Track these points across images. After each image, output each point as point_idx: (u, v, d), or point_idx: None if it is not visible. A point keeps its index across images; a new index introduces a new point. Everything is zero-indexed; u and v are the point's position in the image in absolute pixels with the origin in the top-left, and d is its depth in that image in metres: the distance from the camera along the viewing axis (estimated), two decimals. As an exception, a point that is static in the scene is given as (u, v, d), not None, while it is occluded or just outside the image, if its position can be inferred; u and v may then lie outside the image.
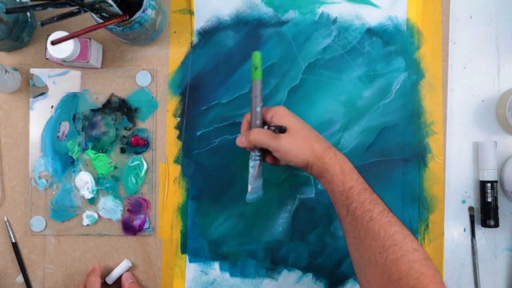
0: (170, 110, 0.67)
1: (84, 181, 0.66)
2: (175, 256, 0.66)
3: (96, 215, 0.66)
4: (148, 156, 0.67)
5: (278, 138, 0.53)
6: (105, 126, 0.67)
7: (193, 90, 0.67)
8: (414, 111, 0.67)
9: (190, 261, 0.67)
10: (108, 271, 0.66)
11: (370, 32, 0.68)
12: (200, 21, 0.68)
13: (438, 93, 0.67)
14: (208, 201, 0.67)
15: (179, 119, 0.67)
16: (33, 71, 0.67)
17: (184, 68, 0.68)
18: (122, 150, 0.67)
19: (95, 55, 0.64)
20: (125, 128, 0.67)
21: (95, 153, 0.66)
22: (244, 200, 0.67)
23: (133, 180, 0.66)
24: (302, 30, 0.68)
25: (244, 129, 0.58)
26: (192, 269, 0.67)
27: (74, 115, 0.67)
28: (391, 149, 0.67)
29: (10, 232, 0.66)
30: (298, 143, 0.54)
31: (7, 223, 0.66)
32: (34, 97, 0.67)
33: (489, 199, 0.65)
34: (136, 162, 0.66)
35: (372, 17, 0.68)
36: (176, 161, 0.67)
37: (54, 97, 0.67)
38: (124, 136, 0.67)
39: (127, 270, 0.66)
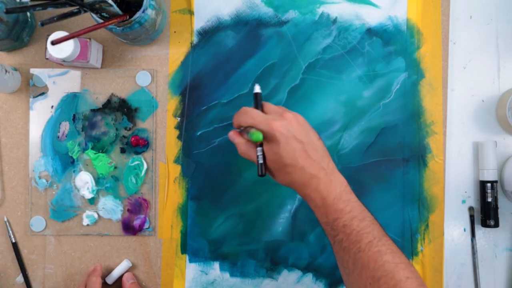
0: (170, 110, 0.67)
1: (84, 181, 0.66)
2: (175, 256, 0.66)
3: (96, 215, 0.66)
4: (148, 156, 0.67)
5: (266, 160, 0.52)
6: (105, 126, 0.67)
7: (193, 90, 0.67)
8: (414, 111, 0.67)
9: (190, 261, 0.67)
10: (108, 271, 0.66)
11: (370, 32, 0.68)
12: (200, 21, 0.68)
13: (438, 93, 0.67)
14: (208, 201, 0.67)
15: (179, 119, 0.67)
16: (33, 71, 0.67)
17: (184, 68, 0.68)
18: (122, 150, 0.67)
19: (95, 55, 0.64)
20: (125, 128, 0.67)
21: (95, 153, 0.66)
22: (244, 200, 0.67)
23: (133, 180, 0.66)
24: (302, 30, 0.68)
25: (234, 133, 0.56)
26: (192, 269, 0.67)
27: (74, 115, 0.67)
28: (391, 149, 0.67)
29: (10, 232, 0.66)
30: (279, 172, 0.52)
31: (7, 223, 0.66)
32: (34, 97, 0.67)
33: (489, 199, 0.65)
34: (136, 162, 0.66)
35: (372, 17, 0.68)
36: (176, 161, 0.67)
37: (54, 97, 0.67)
38: (124, 136, 0.67)
39: (128, 270, 0.66)
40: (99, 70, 0.67)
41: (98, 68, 0.67)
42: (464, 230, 0.67)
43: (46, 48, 0.61)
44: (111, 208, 0.66)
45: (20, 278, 0.66)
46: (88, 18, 0.62)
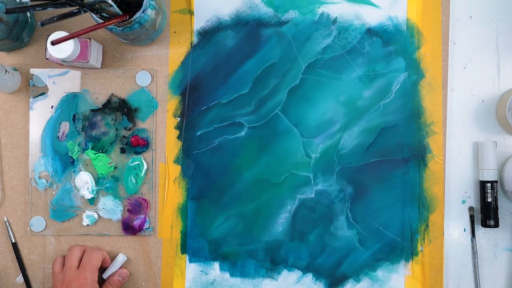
0: (170, 110, 0.67)
1: (84, 181, 0.66)
2: (175, 256, 0.66)
3: (96, 215, 0.66)
4: (148, 156, 0.67)
5: None
6: (105, 126, 0.67)
7: (193, 90, 0.67)
8: (414, 111, 0.67)
9: (190, 261, 0.67)
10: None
11: (370, 32, 0.68)
12: (200, 21, 0.68)
13: (438, 93, 0.67)
14: (208, 201, 0.67)
15: (179, 119, 0.67)
16: (33, 71, 0.67)
17: (184, 68, 0.68)
18: (122, 150, 0.67)
19: (95, 55, 0.64)
20: (125, 128, 0.67)
21: (95, 153, 0.66)
22: (244, 200, 0.67)
23: (133, 180, 0.66)
24: (302, 30, 0.68)
25: None
26: (192, 269, 0.67)
27: (74, 115, 0.67)
28: (391, 149, 0.67)
29: (10, 232, 0.66)
30: None
31: (7, 223, 0.66)
32: (34, 97, 0.67)
33: (489, 199, 0.65)
34: (136, 162, 0.66)
35: (372, 17, 0.68)
36: (176, 161, 0.67)
37: (54, 97, 0.67)
38: (124, 136, 0.67)
39: (123, 265, 0.66)
40: (99, 70, 0.67)
41: (98, 68, 0.67)
42: (464, 230, 0.67)
43: (46, 48, 0.61)
44: (111, 208, 0.66)
45: (20, 278, 0.66)
46: (88, 18, 0.62)
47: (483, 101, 0.68)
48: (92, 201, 0.66)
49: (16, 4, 0.59)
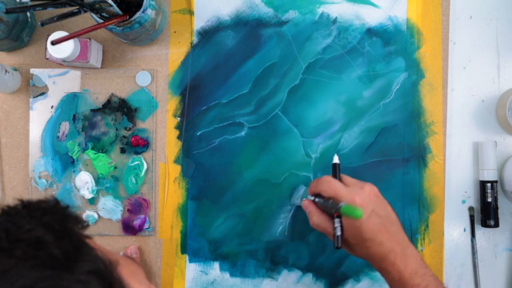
0: (170, 110, 0.67)
1: (84, 181, 0.66)
2: (175, 256, 0.66)
3: (96, 215, 0.66)
4: (148, 156, 0.67)
5: (339, 240, 0.52)
6: (105, 126, 0.67)
7: (193, 90, 0.67)
8: (414, 111, 0.67)
9: (190, 261, 0.67)
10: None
11: (370, 32, 0.68)
12: (200, 21, 0.68)
13: (438, 93, 0.67)
14: (208, 201, 0.67)
15: (179, 119, 0.67)
16: (33, 71, 0.67)
17: (184, 68, 0.68)
18: (122, 150, 0.67)
19: (95, 55, 0.64)
20: (125, 128, 0.67)
21: (95, 153, 0.66)
22: (244, 200, 0.67)
23: (133, 180, 0.66)
24: (302, 30, 0.68)
25: (310, 203, 0.57)
26: (192, 269, 0.67)
27: (74, 115, 0.67)
28: (391, 149, 0.67)
29: (10, 232, 0.66)
30: (357, 246, 0.53)
31: (7, 223, 0.66)
32: (34, 97, 0.67)
33: (489, 199, 0.65)
34: (136, 162, 0.66)
35: (372, 17, 0.68)
36: (176, 161, 0.67)
37: (54, 97, 0.67)
38: (124, 136, 0.67)
39: None
40: (99, 70, 0.67)
41: (98, 68, 0.67)
42: (464, 230, 0.67)
43: (46, 48, 0.61)
44: (111, 208, 0.66)
45: (20, 278, 0.66)
46: (88, 18, 0.62)
47: (483, 101, 0.68)
48: (92, 201, 0.66)
49: (16, 4, 0.59)
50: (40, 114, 0.67)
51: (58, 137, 0.67)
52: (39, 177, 0.66)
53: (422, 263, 0.52)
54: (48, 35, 0.60)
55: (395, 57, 0.67)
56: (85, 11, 0.54)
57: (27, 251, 0.32)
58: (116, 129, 0.67)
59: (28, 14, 0.65)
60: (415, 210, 0.66)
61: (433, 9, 0.68)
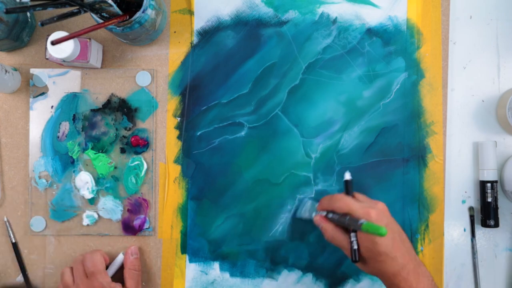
0: (170, 110, 0.67)
1: (84, 181, 0.66)
2: (175, 256, 0.66)
3: (96, 215, 0.66)
4: (148, 156, 0.67)
5: (354, 255, 0.54)
6: (105, 126, 0.67)
7: (193, 90, 0.67)
8: (414, 111, 0.67)
9: (190, 261, 0.67)
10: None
11: (370, 32, 0.68)
12: (200, 21, 0.68)
13: (438, 93, 0.67)
14: (208, 201, 0.67)
15: (179, 119, 0.67)
16: (33, 71, 0.67)
17: (184, 68, 0.68)
18: (122, 150, 0.67)
19: (95, 55, 0.64)
20: (125, 128, 0.67)
21: (95, 153, 0.66)
22: (244, 200, 0.67)
23: (133, 180, 0.66)
24: (302, 30, 0.68)
25: (322, 219, 0.59)
26: (192, 269, 0.67)
27: (74, 115, 0.67)
28: (391, 149, 0.67)
29: (10, 232, 0.66)
30: (370, 260, 0.53)
31: (7, 223, 0.66)
32: (34, 97, 0.67)
33: (489, 199, 0.65)
34: (136, 162, 0.66)
35: (372, 17, 0.68)
36: (176, 161, 0.67)
37: (54, 97, 0.67)
38: (124, 136, 0.67)
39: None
40: (99, 70, 0.67)
41: (98, 68, 0.67)
42: (464, 230, 0.67)
43: (46, 48, 0.61)
44: (111, 208, 0.66)
45: (20, 278, 0.66)
46: (88, 18, 0.62)
47: (483, 101, 0.68)
48: (92, 201, 0.66)
49: (16, 4, 0.59)
50: (40, 114, 0.67)
51: (58, 137, 0.67)
52: (39, 177, 0.66)
53: (434, 284, 0.53)
54: (48, 35, 0.60)
55: (395, 57, 0.67)
56: (85, 11, 0.54)
57: None
58: (116, 129, 0.67)
59: (28, 14, 0.65)
60: (415, 210, 0.66)
61: (433, 9, 0.68)
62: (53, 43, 0.54)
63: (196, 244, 0.67)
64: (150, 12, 0.58)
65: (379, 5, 0.68)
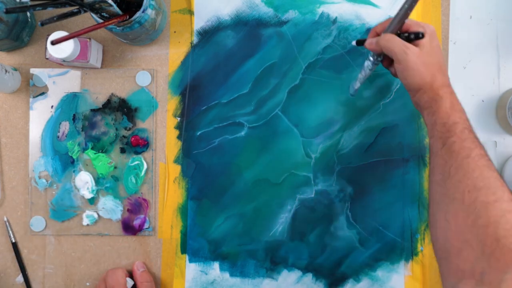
0: (170, 110, 0.67)
1: (84, 181, 0.66)
2: (175, 256, 0.66)
3: (96, 215, 0.66)
4: (148, 156, 0.67)
5: (407, 51, 0.51)
6: (105, 126, 0.67)
7: (193, 90, 0.67)
8: (414, 111, 0.67)
9: (190, 261, 0.67)
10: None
11: (370, 32, 0.68)
12: (200, 21, 0.68)
13: (438, 93, 0.67)
14: (208, 201, 0.67)
15: (179, 119, 0.67)
16: (33, 71, 0.67)
17: (184, 68, 0.68)
18: (122, 150, 0.67)
19: (95, 55, 0.64)
20: (125, 128, 0.67)
21: (95, 153, 0.66)
22: (244, 200, 0.67)
23: (133, 180, 0.66)
24: (302, 30, 0.68)
25: (371, 35, 0.56)
26: (192, 269, 0.67)
27: (74, 115, 0.67)
28: (391, 149, 0.67)
29: (10, 232, 0.66)
30: (423, 66, 0.51)
31: (7, 223, 0.66)
32: (34, 97, 0.67)
33: (489, 199, 0.65)
34: (136, 162, 0.66)
35: (372, 17, 0.68)
36: (176, 161, 0.67)
37: (54, 97, 0.67)
38: (124, 136, 0.67)
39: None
40: (99, 70, 0.67)
41: (98, 68, 0.67)
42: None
43: (46, 48, 0.61)
44: (111, 208, 0.66)
45: (20, 278, 0.66)
46: (88, 18, 0.62)
47: (483, 101, 0.68)
48: (92, 201, 0.66)
49: (16, 4, 0.59)
50: (40, 114, 0.67)
51: (58, 137, 0.67)
52: (39, 177, 0.66)
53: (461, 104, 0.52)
54: (48, 35, 0.60)
55: (395, 57, 0.67)
56: (85, 11, 0.54)
57: None
58: (116, 129, 0.67)
59: (28, 14, 0.65)
60: (415, 210, 0.66)
61: (433, 9, 0.68)
62: (53, 43, 0.54)
63: (196, 244, 0.67)
64: (150, 12, 0.58)
65: (379, 5, 0.68)
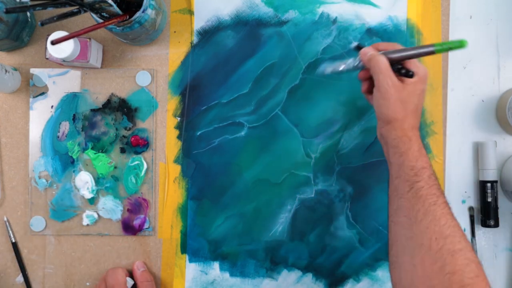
0: (170, 110, 0.67)
1: (84, 181, 0.66)
2: (175, 256, 0.66)
3: (96, 215, 0.66)
4: (148, 156, 0.67)
5: (390, 82, 0.52)
6: (105, 126, 0.67)
7: (193, 90, 0.67)
8: (414, 111, 0.67)
9: (190, 261, 0.67)
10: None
11: (370, 32, 0.68)
12: (200, 21, 0.68)
13: (438, 93, 0.67)
14: (208, 201, 0.67)
15: (179, 119, 0.67)
16: (33, 71, 0.67)
17: (184, 68, 0.68)
18: (122, 150, 0.67)
19: (95, 55, 0.64)
20: (125, 128, 0.67)
21: (95, 153, 0.66)
22: (244, 200, 0.67)
23: (133, 180, 0.66)
24: (302, 30, 0.68)
25: (372, 47, 0.56)
26: (192, 269, 0.67)
27: (74, 115, 0.67)
28: (391, 149, 0.67)
29: (10, 232, 0.66)
30: (400, 102, 0.52)
31: (7, 223, 0.66)
32: (34, 97, 0.67)
33: (489, 199, 0.65)
34: (136, 162, 0.66)
35: (372, 17, 0.68)
36: (176, 161, 0.67)
37: (54, 97, 0.67)
38: (124, 136, 0.67)
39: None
40: (99, 70, 0.67)
41: (98, 68, 0.67)
42: (464, 230, 0.67)
43: (46, 48, 0.61)
44: (111, 208, 0.66)
45: (20, 278, 0.66)
46: (88, 18, 0.62)
47: (483, 101, 0.68)
48: (92, 201, 0.66)
49: (16, 4, 0.59)
50: (40, 114, 0.67)
51: (58, 137, 0.67)
52: (39, 177, 0.66)
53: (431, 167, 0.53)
54: (48, 35, 0.60)
55: (395, 57, 0.67)
56: (85, 11, 0.54)
57: None
58: (116, 129, 0.67)
59: (28, 14, 0.65)
60: (415, 210, 0.66)
61: (433, 9, 0.68)
62: (53, 43, 0.54)
63: (196, 244, 0.67)
64: (150, 12, 0.58)
65: (379, 5, 0.68)
